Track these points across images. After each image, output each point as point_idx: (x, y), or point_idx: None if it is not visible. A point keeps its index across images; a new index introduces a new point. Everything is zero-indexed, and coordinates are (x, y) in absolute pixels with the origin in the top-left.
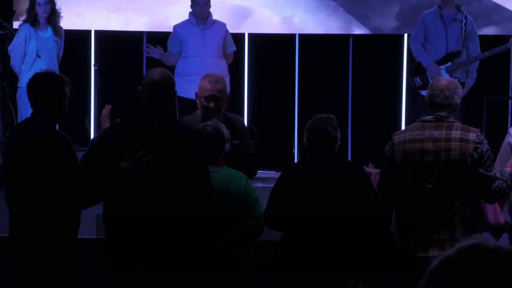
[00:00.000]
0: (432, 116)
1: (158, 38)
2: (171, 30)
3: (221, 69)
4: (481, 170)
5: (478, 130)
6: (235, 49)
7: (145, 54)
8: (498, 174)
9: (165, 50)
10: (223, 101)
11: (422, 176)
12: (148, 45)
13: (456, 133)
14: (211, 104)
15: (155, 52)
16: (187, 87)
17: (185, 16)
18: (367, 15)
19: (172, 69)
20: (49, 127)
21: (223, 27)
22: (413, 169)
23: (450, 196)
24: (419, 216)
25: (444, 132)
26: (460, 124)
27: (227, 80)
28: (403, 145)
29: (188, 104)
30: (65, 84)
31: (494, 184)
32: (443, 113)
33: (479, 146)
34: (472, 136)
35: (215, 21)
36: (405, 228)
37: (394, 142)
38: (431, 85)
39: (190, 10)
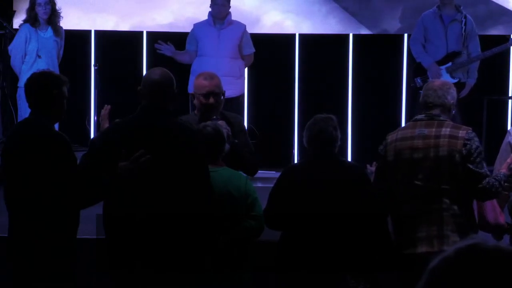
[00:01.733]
0: (424, 115)
1: (159, 38)
2: (171, 30)
3: (236, 69)
4: (471, 166)
5: (470, 128)
6: (254, 50)
7: (155, 52)
8: (494, 174)
9: (180, 48)
10: (221, 97)
11: (412, 173)
12: (159, 41)
13: (446, 130)
14: (211, 100)
15: (167, 49)
16: None
17: (188, 15)
18: (368, 15)
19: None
20: (48, 127)
21: (241, 27)
22: (403, 166)
23: (439, 193)
24: (408, 213)
25: (434, 129)
26: (451, 123)
27: (243, 81)
28: (394, 143)
29: None
30: (63, 84)
31: (484, 181)
32: (435, 112)
33: (468, 142)
34: (462, 133)
35: (233, 21)
36: (396, 225)
37: (387, 141)
38: (425, 86)
39: (209, 9)
